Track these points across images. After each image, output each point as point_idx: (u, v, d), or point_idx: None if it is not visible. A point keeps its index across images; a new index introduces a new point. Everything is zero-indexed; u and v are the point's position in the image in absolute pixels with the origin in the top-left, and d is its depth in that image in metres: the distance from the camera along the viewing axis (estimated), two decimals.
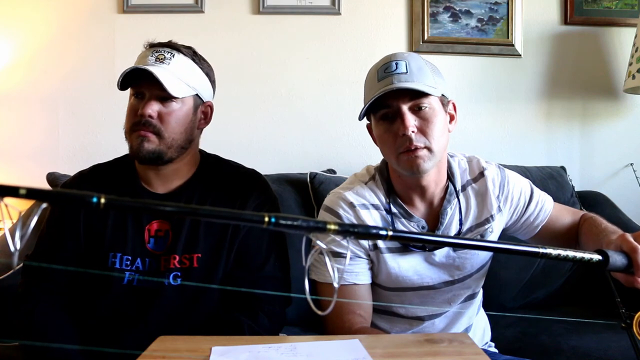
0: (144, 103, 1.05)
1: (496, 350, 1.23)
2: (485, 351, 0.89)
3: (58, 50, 2.01)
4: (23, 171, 2.00)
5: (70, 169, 1.30)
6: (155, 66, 1.04)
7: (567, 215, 1.16)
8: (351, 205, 1.07)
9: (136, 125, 1.05)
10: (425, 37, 2.07)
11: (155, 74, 1.01)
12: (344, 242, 0.55)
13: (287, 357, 0.79)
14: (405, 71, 1.00)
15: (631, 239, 0.82)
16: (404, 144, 0.99)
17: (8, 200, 0.43)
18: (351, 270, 1.07)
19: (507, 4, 2.08)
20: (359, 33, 2.08)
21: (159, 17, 2.03)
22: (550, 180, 1.84)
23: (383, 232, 0.57)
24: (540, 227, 1.14)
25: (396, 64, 1.01)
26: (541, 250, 0.65)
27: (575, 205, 1.81)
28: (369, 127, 1.12)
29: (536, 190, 1.17)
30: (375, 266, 1.09)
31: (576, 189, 1.89)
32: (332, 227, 0.54)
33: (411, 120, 0.99)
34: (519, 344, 1.39)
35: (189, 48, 1.13)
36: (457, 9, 2.08)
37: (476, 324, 1.20)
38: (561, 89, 2.13)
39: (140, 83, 1.06)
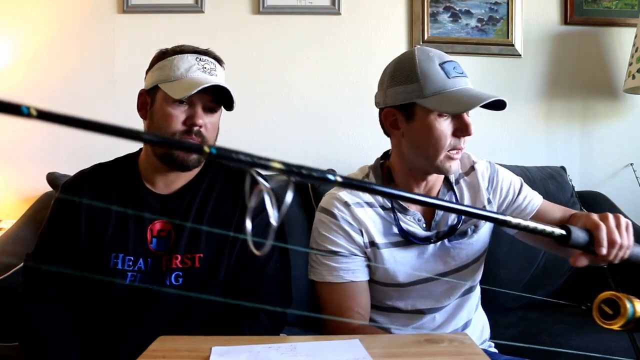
0: (195, 112, 1.05)
1: (496, 351, 1.23)
2: (485, 351, 0.89)
3: (58, 50, 2.02)
4: (23, 171, 2.00)
5: (70, 169, 1.30)
6: (213, 77, 1.07)
7: (557, 211, 1.17)
8: (346, 204, 1.09)
9: (185, 134, 1.05)
10: (425, 37, 2.07)
11: (230, 90, 1.05)
12: (289, 183, 0.53)
13: (287, 357, 0.79)
14: (467, 76, 1.05)
15: (595, 217, 0.85)
16: (458, 145, 1.04)
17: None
18: (347, 267, 1.08)
19: (507, 4, 2.08)
20: (359, 33, 2.08)
21: (159, 17, 2.03)
22: (550, 180, 1.84)
23: (331, 177, 0.55)
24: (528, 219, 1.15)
25: (459, 67, 1.05)
26: (507, 218, 0.67)
27: (575, 205, 1.81)
28: (387, 113, 1.08)
29: (526, 186, 1.19)
30: (372, 262, 1.10)
31: (576, 189, 1.89)
32: (276, 164, 0.51)
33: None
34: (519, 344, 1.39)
35: (216, 55, 1.14)
36: (457, 9, 2.08)
37: (475, 320, 1.21)
38: (561, 89, 2.13)
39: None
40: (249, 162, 0.50)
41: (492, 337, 1.28)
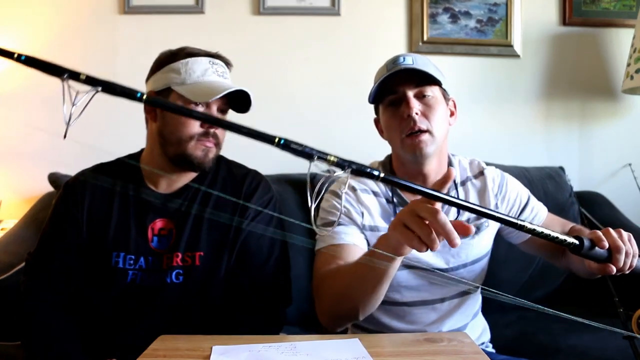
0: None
1: (493, 351, 1.24)
2: (483, 350, 0.90)
3: (59, 51, 2.02)
4: (25, 171, 2.00)
5: (72, 169, 1.30)
6: (227, 80, 1.10)
7: (557, 225, 1.19)
8: (353, 189, 1.15)
9: (203, 136, 1.07)
10: (425, 38, 2.07)
11: (250, 94, 1.08)
12: (344, 176, 0.63)
13: (287, 356, 0.79)
14: (412, 63, 1.09)
15: (599, 232, 0.86)
16: (408, 126, 1.07)
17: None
18: (347, 232, 1.10)
19: (506, 4, 2.09)
20: (359, 34, 2.08)
21: (159, 18, 2.03)
22: (549, 180, 1.84)
23: (376, 173, 0.65)
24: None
25: (404, 57, 1.11)
26: (524, 223, 0.71)
27: (574, 205, 1.81)
28: (376, 122, 1.20)
29: (533, 198, 1.21)
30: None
31: (575, 189, 1.89)
32: (332, 158, 0.62)
33: (415, 104, 1.08)
34: (517, 344, 1.39)
35: (226, 59, 1.16)
36: (457, 9, 2.09)
37: (472, 326, 1.20)
38: (560, 90, 2.14)
39: None
40: (310, 153, 0.62)
41: (492, 339, 1.29)
